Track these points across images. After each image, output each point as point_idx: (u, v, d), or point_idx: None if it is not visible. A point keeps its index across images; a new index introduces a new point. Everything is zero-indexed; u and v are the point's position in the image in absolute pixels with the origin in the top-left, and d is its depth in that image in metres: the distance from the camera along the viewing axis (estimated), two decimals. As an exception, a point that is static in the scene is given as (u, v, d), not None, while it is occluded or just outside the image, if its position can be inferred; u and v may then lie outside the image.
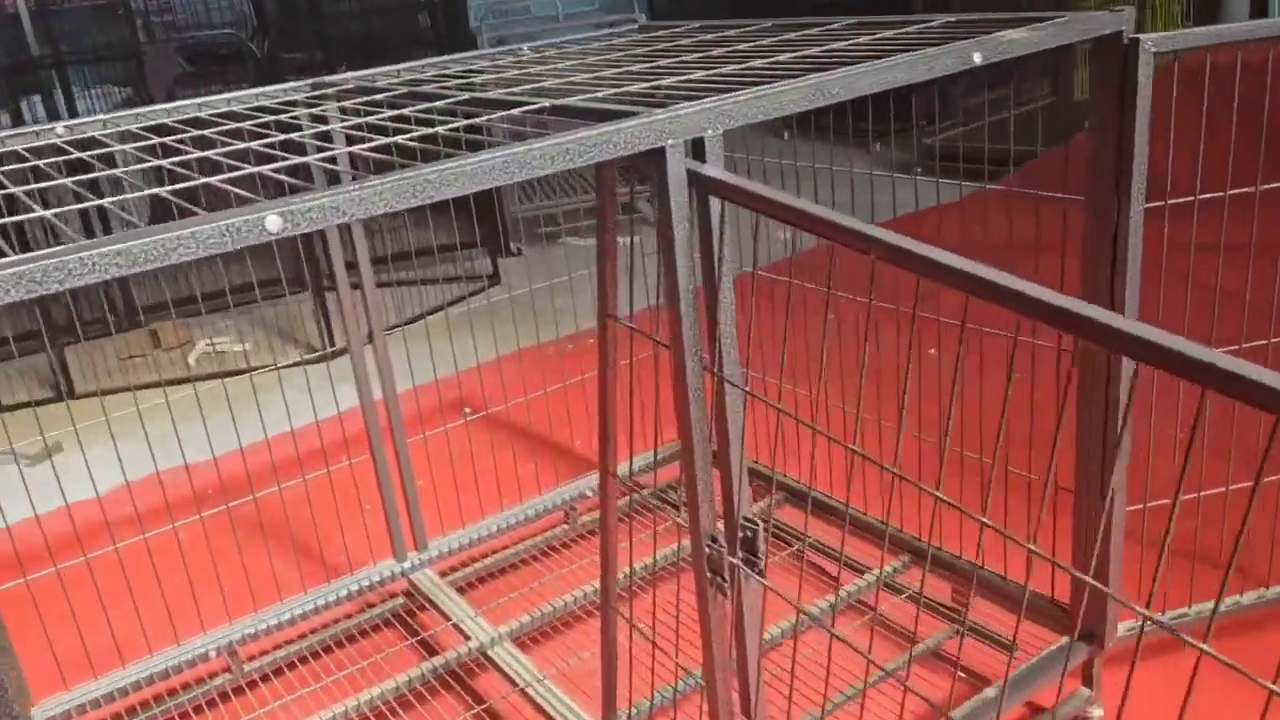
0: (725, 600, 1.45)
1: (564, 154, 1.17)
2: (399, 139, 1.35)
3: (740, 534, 1.42)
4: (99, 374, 4.50)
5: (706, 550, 1.41)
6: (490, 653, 2.27)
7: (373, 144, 1.35)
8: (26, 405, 4.21)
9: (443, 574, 2.60)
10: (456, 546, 2.64)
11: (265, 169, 1.27)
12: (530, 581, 2.58)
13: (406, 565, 2.58)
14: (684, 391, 1.34)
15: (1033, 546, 1.04)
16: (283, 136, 1.43)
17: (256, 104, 1.90)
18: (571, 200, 5.74)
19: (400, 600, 2.55)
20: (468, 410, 3.79)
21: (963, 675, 2.18)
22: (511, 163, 1.13)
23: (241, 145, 1.44)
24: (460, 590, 2.55)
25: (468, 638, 2.31)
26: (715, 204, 1.28)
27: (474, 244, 5.29)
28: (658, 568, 2.54)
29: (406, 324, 4.20)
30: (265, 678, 2.36)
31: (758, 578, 1.40)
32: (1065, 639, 2.06)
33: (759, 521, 1.42)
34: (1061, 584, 2.11)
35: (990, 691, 1.97)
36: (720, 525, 1.43)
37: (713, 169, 1.27)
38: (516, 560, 2.68)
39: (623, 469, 1.75)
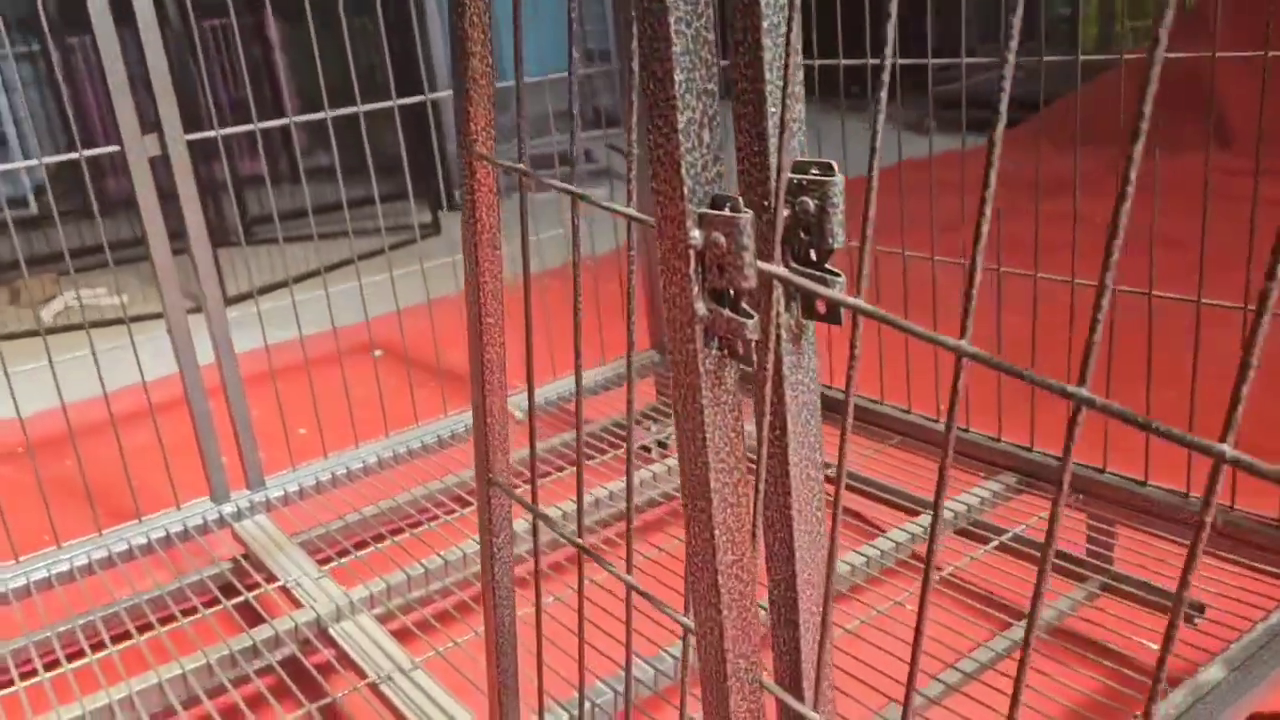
0: (728, 388, 0.57)
1: None
2: None
3: (780, 202, 0.54)
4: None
5: (688, 236, 0.53)
6: (334, 629, 1.37)
7: None
8: None
9: (294, 535, 1.69)
10: (312, 483, 1.74)
11: None
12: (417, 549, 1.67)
13: (228, 509, 1.67)
14: None
15: None
16: None
17: None
18: (535, 146, 4.89)
19: (219, 567, 1.64)
20: (378, 352, 2.92)
21: (1109, 662, 1.30)
22: None
23: None
24: (318, 554, 1.65)
25: (299, 605, 1.41)
26: None
27: (409, 195, 4.43)
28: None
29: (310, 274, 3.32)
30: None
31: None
32: (1319, 586, 1.19)
33: (831, 169, 0.55)
34: (1299, 495, 1.24)
35: (1211, 674, 1.08)
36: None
37: None
38: (404, 519, 1.77)
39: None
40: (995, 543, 1.43)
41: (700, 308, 0.53)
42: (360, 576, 1.49)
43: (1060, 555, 1.46)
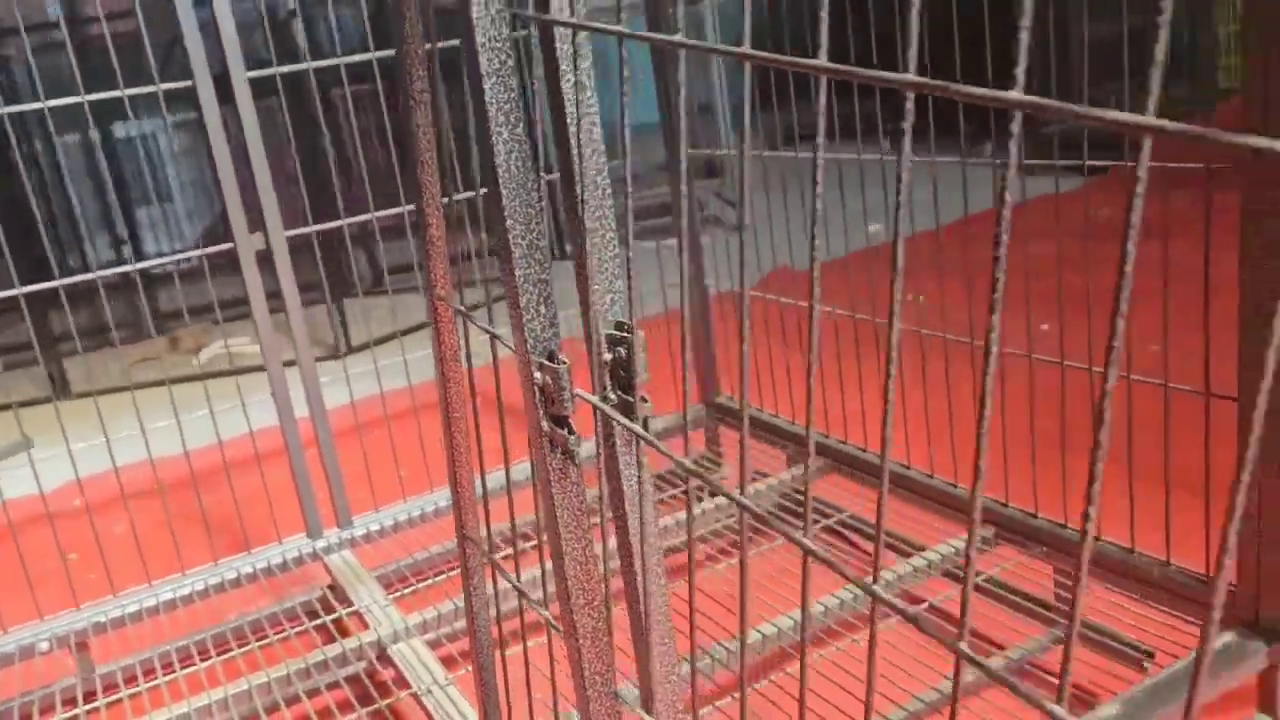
0: (572, 479, 0.80)
1: None
2: None
3: (605, 349, 0.77)
4: (106, 377, 4.13)
5: (536, 383, 0.76)
6: (392, 649, 1.63)
7: None
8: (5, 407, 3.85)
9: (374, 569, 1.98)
10: (391, 523, 2.03)
11: None
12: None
13: (321, 544, 1.97)
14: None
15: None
16: None
17: None
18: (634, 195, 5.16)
19: (311, 594, 1.94)
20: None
21: (1070, 693, 1.45)
22: None
23: None
24: (390, 586, 1.93)
25: (368, 628, 1.69)
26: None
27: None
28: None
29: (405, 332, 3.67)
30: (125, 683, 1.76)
31: (633, 427, 0.75)
32: (1230, 635, 1.32)
33: (631, 329, 0.77)
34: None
35: (1108, 710, 1.24)
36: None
37: None
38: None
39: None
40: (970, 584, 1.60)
41: (545, 425, 0.77)
42: (418, 606, 1.76)
43: (1033, 600, 1.62)
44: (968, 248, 1.74)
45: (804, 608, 0.53)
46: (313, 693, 1.59)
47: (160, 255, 5.05)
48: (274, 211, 1.87)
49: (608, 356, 0.78)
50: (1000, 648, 1.58)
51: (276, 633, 1.74)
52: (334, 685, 1.62)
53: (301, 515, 1.99)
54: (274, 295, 2.04)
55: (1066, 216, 1.64)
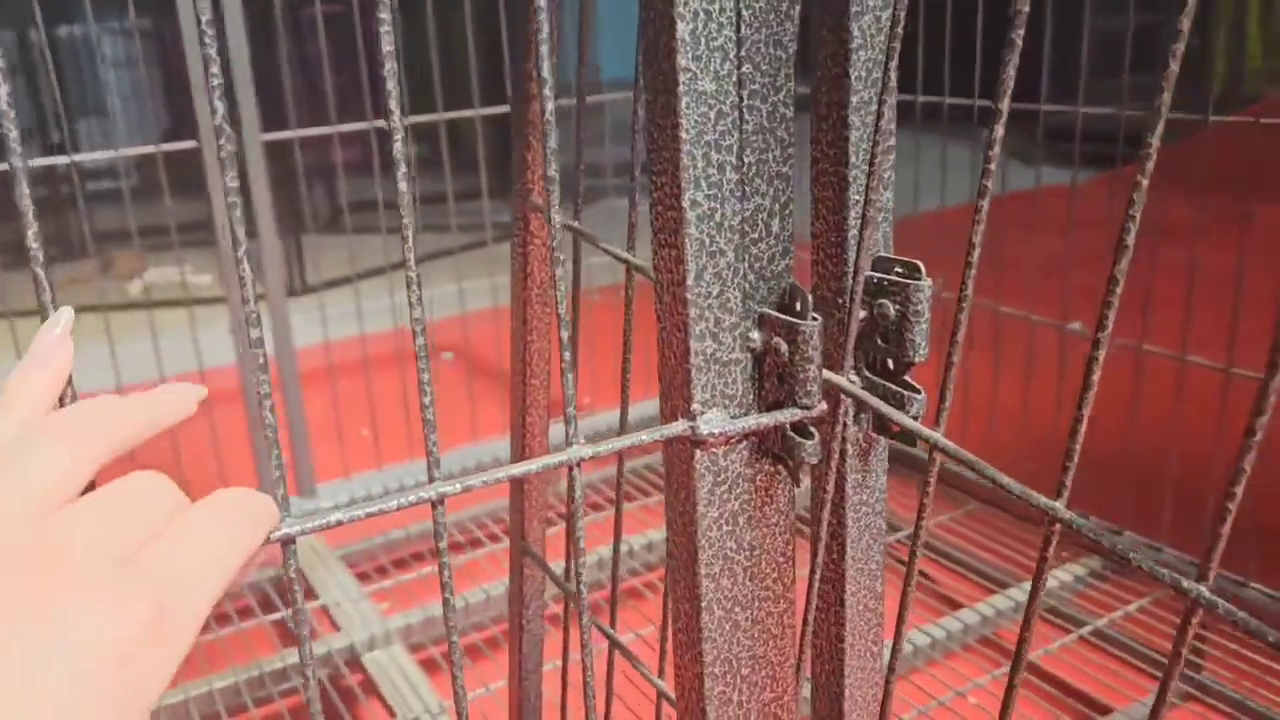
0: (780, 508, 0.50)
1: None
2: None
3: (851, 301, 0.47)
4: (25, 298, 3.72)
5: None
6: (366, 657, 1.32)
7: None
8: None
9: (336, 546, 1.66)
10: (363, 494, 1.71)
11: None
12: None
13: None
14: None
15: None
16: None
17: None
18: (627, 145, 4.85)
19: (260, 575, 1.61)
20: (448, 354, 2.90)
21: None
22: None
23: None
24: (357, 568, 1.61)
25: (336, 628, 1.37)
26: None
27: (492, 193, 4.41)
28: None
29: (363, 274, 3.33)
30: None
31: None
32: None
33: (917, 271, 0.47)
34: None
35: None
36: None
37: None
38: (449, 542, 1.72)
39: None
40: (1075, 635, 1.33)
41: (752, 420, 0.46)
42: (399, 601, 1.45)
43: (1141, 655, 1.35)
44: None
45: None
46: (263, 701, 1.28)
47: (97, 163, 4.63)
48: (251, 109, 1.52)
49: (862, 314, 0.48)
50: (1106, 711, 1.32)
51: (223, 627, 1.41)
52: (290, 693, 1.31)
53: (256, 478, 1.66)
54: (203, 226, 1.70)
55: (1077, 210, 1.42)
